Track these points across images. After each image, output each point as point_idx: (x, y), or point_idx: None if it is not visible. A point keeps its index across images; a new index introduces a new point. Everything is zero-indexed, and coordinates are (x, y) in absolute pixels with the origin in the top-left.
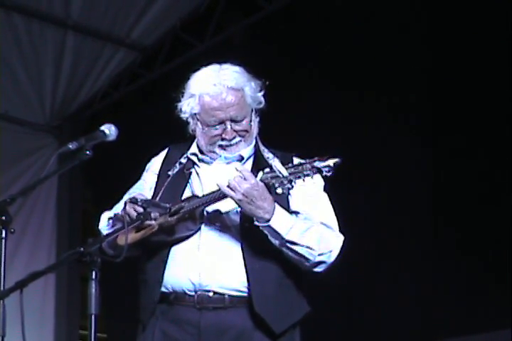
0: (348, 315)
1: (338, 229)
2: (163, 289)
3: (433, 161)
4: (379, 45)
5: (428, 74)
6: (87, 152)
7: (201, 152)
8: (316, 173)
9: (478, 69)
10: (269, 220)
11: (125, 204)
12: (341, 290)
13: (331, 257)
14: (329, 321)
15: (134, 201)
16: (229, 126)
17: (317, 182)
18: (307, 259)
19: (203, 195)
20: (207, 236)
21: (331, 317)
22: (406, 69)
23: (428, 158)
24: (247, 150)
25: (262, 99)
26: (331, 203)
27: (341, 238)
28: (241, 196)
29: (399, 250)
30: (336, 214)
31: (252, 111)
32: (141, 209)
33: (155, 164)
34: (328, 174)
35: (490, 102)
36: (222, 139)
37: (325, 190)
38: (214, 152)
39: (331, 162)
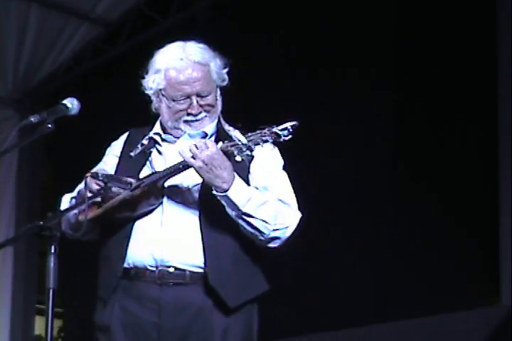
0: (308, 291)
1: (296, 206)
2: (125, 265)
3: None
4: (342, 22)
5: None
6: (49, 125)
7: (164, 131)
8: (274, 138)
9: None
10: (227, 190)
11: (86, 178)
12: (299, 267)
13: (286, 233)
14: (287, 299)
15: (95, 176)
16: (195, 101)
17: (276, 160)
18: (262, 233)
19: (164, 170)
20: (169, 212)
21: (290, 295)
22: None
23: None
24: (210, 127)
25: (226, 76)
26: (290, 180)
27: (298, 215)
28: (201, 163)
29: (359, 225)
30: (295, 192)
31: (217, 87)
32: (101, 184)
33: (115, 147)
34: (287, 138)
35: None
36: (188, 114)
37: (284, 168)
38: (179, 128)
39: (288, 125)
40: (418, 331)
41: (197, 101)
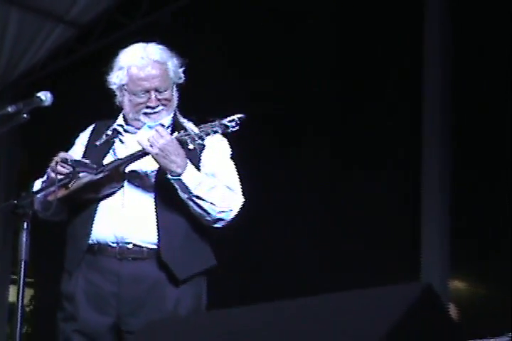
0: (251, 269)
1: (240, 192)
2: (89, 241)
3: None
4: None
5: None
6: (25, 115)
7: (126, 123)
8: (223, 129)
9: None
10: (180, 174)
11: (56, 163)
12: (245, 246)
13: (230, 215)
14: (234, 274)
15: (64, 160)
16: (153, 95)
17: (225, 150)
18: (209, 214)
19: (125, 157)
20: (129, 195)
21: (236, 271)
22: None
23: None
24: (167, 119)
25: (182, 75)
26: (236, 168)
27: (241, 200)
28: (157, 150)
29: (296, 209)
30: (241, 179)
31: (174, 84)
32: (70, 168)
33: (83, 137)
34: (234, 129)
35: None
36: (147, 107)
37: (231, 157)
38: (139, 120)
39: (235, 117)
40: (337, 305)
41: (155, 96)
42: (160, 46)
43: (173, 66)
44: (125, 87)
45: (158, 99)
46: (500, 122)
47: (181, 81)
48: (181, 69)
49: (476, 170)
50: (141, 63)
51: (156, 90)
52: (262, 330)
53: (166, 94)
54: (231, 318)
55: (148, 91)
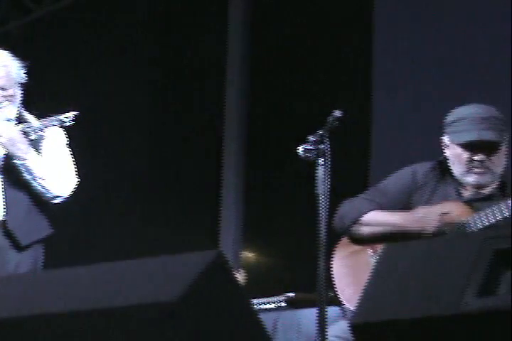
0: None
1: (74, 173)
2: None
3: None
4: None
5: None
6: None
7: None
8: (60, 123)
9: None
10: (25, 159)
11: None
12: (80, 217)
13: (66, 193)
14: (69, 240)
15: None
16: None
17: (61, 139)
18: (49, 192)
19: None
20: None
21: (71, 237)
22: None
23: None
24: (13, 113)
25: (24, 75)
26: (72, 154)
27: (75, 180)
28: (5, 140)
29: (121, 182)
30: (76, 163)
31: (17, 83)
32: None
33: None
34: (69, 124)
35: None
36: None
37: (68, 145)
38: None
39: (70, 114)
40: (141, 269)
41: (1, 93)
42: (5, 52)
43: (16, 68)
44: None
45: (4, 96)
46: None
47: (23, 80)
48: (22, 71)
49: (266, 159)
50: None
51: (1, 88)
52: (75, 287)
53: (10, 92)
54: (59, 276)
55: None
